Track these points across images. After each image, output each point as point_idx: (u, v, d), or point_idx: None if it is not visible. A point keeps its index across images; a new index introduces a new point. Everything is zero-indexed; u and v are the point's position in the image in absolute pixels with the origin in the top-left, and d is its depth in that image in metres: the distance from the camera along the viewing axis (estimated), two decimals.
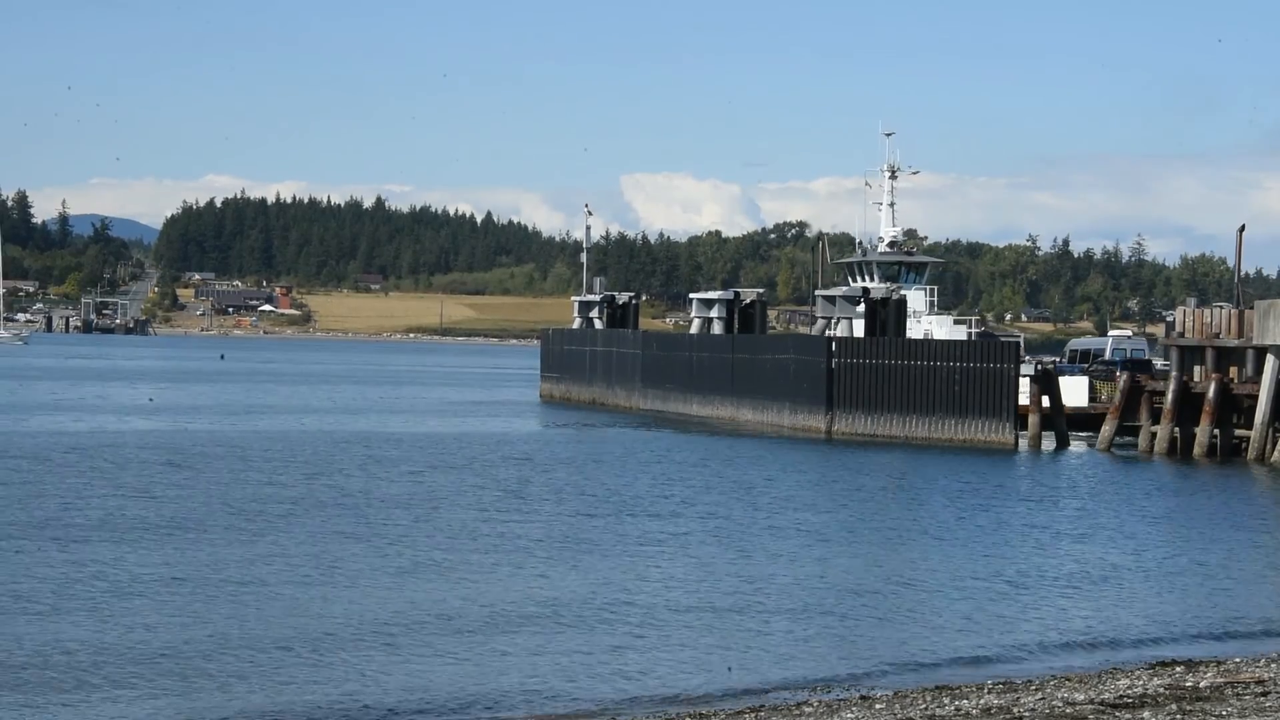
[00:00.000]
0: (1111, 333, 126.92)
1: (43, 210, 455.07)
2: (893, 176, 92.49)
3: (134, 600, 30.83)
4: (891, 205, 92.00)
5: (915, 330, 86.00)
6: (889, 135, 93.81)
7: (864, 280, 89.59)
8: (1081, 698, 22.71)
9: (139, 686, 24.23)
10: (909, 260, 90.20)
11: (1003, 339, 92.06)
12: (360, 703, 23.76)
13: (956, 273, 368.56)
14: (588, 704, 24.24)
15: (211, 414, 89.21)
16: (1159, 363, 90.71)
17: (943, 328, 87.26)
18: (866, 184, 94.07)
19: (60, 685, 24.04)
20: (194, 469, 56.10)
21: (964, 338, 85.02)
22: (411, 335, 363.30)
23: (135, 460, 58.51)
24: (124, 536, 38.97)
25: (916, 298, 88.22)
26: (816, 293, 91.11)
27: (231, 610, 30.06)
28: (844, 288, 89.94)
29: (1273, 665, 26.25)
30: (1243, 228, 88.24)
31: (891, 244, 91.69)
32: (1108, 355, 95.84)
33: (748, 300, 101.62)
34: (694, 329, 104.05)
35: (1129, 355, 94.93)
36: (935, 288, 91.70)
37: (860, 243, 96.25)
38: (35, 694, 23.51)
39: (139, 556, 36.03)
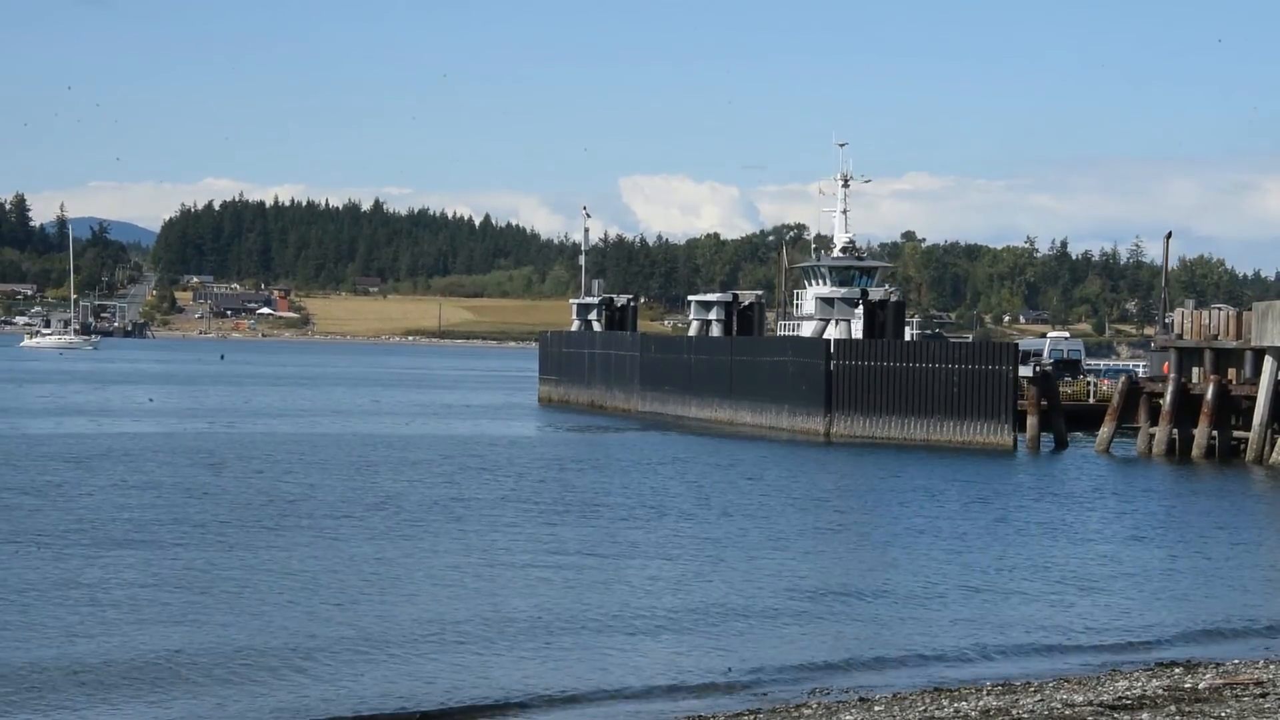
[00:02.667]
0: (1050, 335, 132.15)
1: (41, 213, 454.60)
2: (845, 185, 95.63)
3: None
4: (844, 212, 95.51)
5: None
6: (842, 145, 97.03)
7: (818, 284, 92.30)
8: (1080, 699, 22.73)
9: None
10: (860, 265, 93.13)
11: (952, 340, 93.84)
12: (365, 695, 23.86)
13: (955, 274, 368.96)
14: (589, 703, 24.29)
15: (228, 416, 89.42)
16: (1105, 363, 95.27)
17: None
18: (820, 191, 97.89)
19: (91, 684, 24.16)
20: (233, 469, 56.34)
21: (908, 339, 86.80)
22: (410, 338, 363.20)
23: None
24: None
25: None
26: (814, 293, 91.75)
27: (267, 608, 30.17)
28: (844, 289, 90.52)
29: (1271, 667, 26.27)
30: (1169, 235, 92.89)
31: (844, 249, 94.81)
32: (1045, 355, 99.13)
33: (746, 303, 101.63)
34: (692, 331, 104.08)
35: (1065, 355, 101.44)
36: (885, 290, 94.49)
37: (815, 247, 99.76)
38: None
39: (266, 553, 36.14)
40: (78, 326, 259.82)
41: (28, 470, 55.36)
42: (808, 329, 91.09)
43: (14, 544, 37.84)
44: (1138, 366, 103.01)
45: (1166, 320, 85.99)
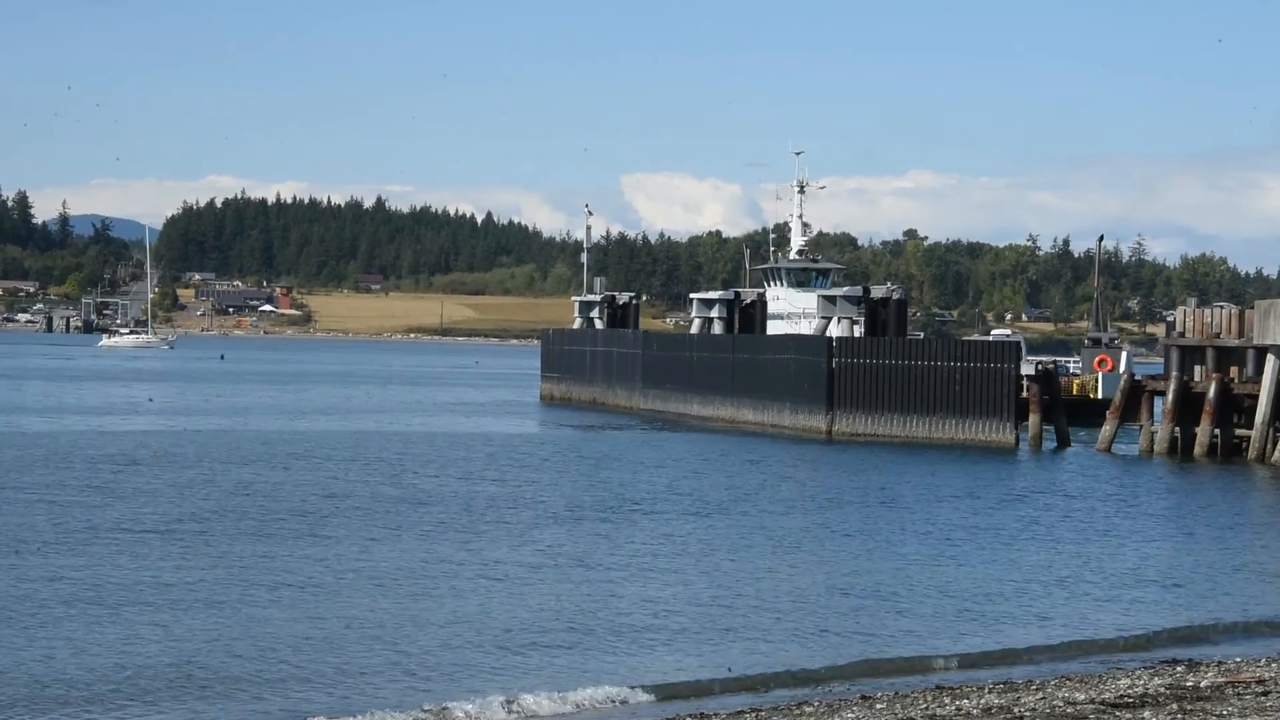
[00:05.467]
0: (994, 332, 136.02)
1: (43, 211, 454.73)
2: (801, 190, 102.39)
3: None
4: (800, 217, 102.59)
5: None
6: (798, 154, 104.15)
7: (776, 285, 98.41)
8: (1082, 697, 22.71)
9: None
10: (815, 266, 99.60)
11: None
12: (366, 689, 23.87)
13: (957, 272, 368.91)
14: (588, 702, 24.27)
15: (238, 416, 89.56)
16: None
17: (844, 329, 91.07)
18: (778, 196, 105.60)
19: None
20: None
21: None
22: (412, 335, 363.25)
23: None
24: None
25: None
26: (818, 293, 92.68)
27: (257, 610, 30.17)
28: (844, 288, 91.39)
29: (1273, 665, 26.25)
30: (1101, 238, 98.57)
31: (800, 252, 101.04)
32: None
33: (748, 300, 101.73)
34: (694, 329, 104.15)
35: None
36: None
37: (774, 250, 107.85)
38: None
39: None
40: (155, 325, 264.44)
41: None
42: (770, 328, 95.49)
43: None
44: (1073, 363, 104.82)
45: (1161, 319, 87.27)
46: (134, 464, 57.48)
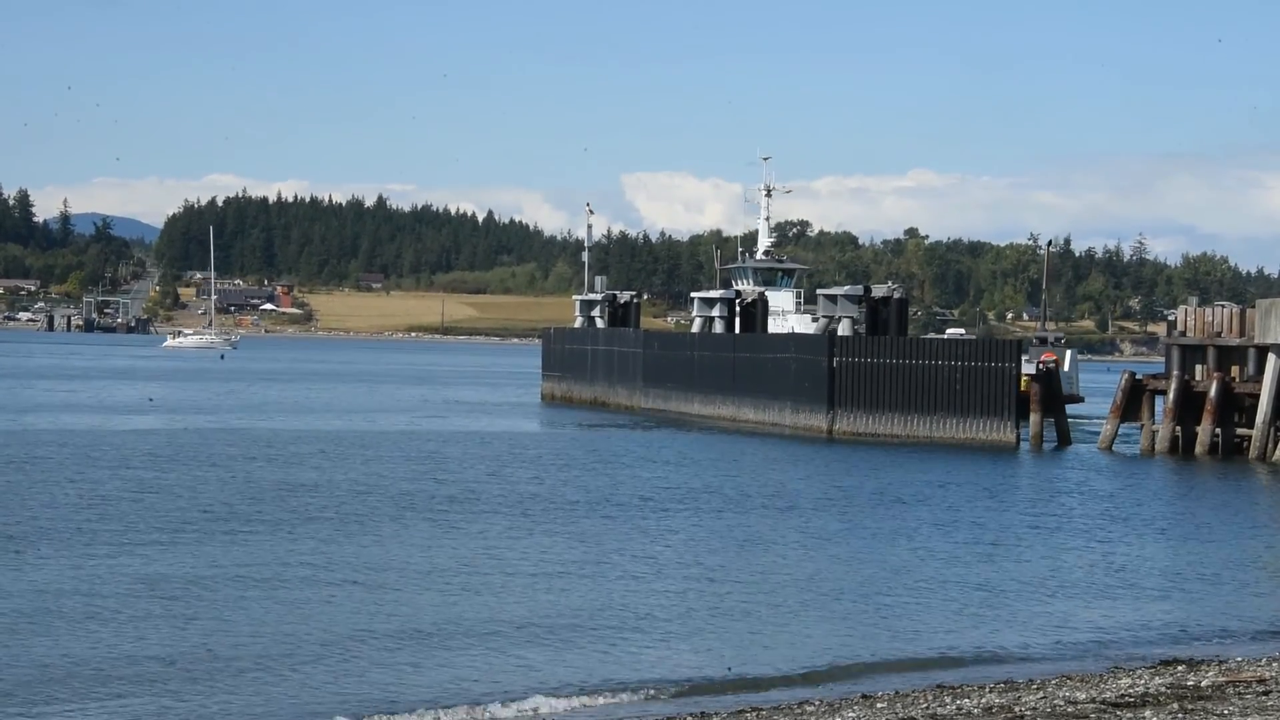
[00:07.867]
0: (949, 331, 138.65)
1: (44, 209, 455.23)
2: (768, 194, 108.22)
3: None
4: (767, 219, 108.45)
5: (782, 327, 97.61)
6: (766, 159, 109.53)
7: (742, 284, 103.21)
8: (1083, 697, 22.71)
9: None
10: (780, 266, 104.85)
11: None
12: (370, 694, 23.87)
13: (958, 271, 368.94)
14: (588, 699, 24.29)
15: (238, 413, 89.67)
16: None
17: (804, 326, 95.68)
18: (746, 199, 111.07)
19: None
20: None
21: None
22: (413, 334, 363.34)
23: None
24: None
25: (786, 298, 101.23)
26: (819, 291, 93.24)
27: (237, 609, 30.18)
28: (845, 287, 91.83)
29: (1274, 664, 26.24)
30: (1050, 243, 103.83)
31: (766, 252, 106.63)
32: None
33: (749, 299, 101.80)
34: (695, 328, 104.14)
35: None
36: (802, 290, 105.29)
37: (741, 250, 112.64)
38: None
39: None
40: (220, 327, 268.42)
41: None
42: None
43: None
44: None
45: (1163, 318, 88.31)
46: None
